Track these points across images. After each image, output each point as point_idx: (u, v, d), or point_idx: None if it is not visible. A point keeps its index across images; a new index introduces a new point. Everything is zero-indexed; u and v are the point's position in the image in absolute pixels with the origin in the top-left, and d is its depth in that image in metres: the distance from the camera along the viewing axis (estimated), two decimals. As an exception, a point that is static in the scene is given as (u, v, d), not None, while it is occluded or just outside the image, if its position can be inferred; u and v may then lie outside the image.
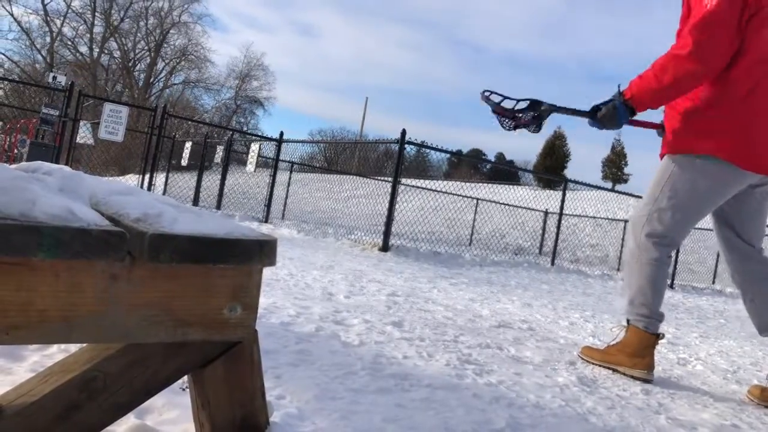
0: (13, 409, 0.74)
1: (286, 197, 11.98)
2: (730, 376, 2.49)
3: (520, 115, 2.22)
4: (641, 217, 2.19)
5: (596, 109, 2.18)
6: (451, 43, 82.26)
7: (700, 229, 9.84)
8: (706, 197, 2.10)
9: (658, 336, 2.16)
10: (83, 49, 34.43)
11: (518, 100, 2.23)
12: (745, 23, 1.96)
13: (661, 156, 2.22)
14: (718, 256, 11.48)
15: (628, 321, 2.21)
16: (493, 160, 35.71)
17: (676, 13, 2.24)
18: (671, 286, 8.68)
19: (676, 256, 9.25)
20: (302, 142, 10.61)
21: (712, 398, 2.00)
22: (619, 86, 2.17)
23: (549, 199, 12.60)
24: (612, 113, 2.13)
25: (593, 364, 2.22)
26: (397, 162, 6.92)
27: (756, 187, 2.14)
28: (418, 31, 78.60)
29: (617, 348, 2.18)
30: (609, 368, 2.17)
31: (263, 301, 2.24)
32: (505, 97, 2.24)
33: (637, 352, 2.12)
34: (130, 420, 1.08)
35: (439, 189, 12.31)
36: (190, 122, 18.89)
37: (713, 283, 11.07)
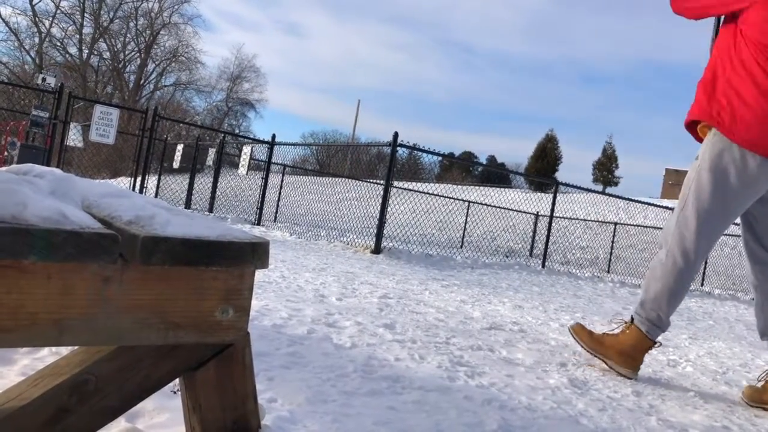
0: (2, 413, 0.74)
1: (279, 200, 11.95)
2: (719, 378, 2.51)
3: None
4: (674, 225, 2.14)
5: None
6: (440, 44, 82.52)
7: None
8: (732, 188, 2.00)
9: (655, 343, 2.17)
10: (72, 50, 34.26)
11: None
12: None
13: (688, 121, 2.17)
14: (706, 258, 11.56)
15: (632, 319, 2.20)
16: (484, 162, 35.87)
17: (668, 13, 2.26)
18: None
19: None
20: (294, 144, 10.57)
21: (702, 399, 2.02)
22: None
23: (540, 201, 12.66)
24: None
25: (579, 344, 2.21)
26: (389, 165, 6.92)
27: None
28: (406, 32, 78.83)
29: (612, 342, 2.16)
30: (597, 357, 2.17)
31: (255, 303, 2.24)
32: None
33: (629, 353, 2.14)
34: (120, 423, 1.07)
35: (430, 192, 12.33)
36: (181, 124, 18.81)
37: (702, 285, 11.15)
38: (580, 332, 2.24)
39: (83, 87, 31.63)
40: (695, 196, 2.08)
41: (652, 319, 2.14)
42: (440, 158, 8.57)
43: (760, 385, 2.08)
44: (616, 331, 2.23)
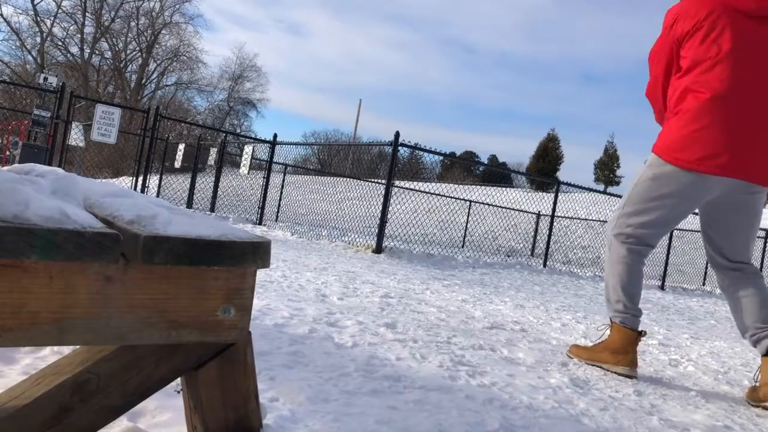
0: (5, 412, 0.74)
1: (280, 199, 11.96)
2: (721, 377, 2.51)
3: None
4: (612, 219, 2.31)
5: None
6: (441, 43, 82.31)
7: (689, 230, 9.90)
8: (665, 199, 2.16)
9: (640, 332, 2.23)
10: (74, 49, 34.23)
11: None
12: (687, 41, 2.11)
13: None
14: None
15: (611, 319, 2.29)
16: (486, 162, 35.83)
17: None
18: (662, 288, 8.73)
19: (666, 258, 9.30)
20: (296, 144, 10.57)
21: (703, 399, 2.02)
22: None
23: (541, 201, 12.64)
24: None
25: (581, 362, 2.27)
26: (390, 164, 6.92)
27: (744, 195, 2.13)
28: (407, 31, 78.65)
29: (602, 346, 2.25)
30: (595, 366, 2.22)
31: (257, 302, 2.24)
32: None
33: (619, 349, 2.19)
34: (122, 422, 1.07)
35: (432, 191, 12.32)
36: (183, 124, 18.82)
37: (703, 284, 11.14)
38: (577, 351, 2.33)
39: (85, 86, 31.63)
40: (636, 194, 2.23)
41: (620, 310, 2.24)
42: (441, 158, 8.55)
43: (756, 383, 2.10)
44: (605, 336, 2.32)
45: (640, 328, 2.24)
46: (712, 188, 2.09)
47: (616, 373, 2.15)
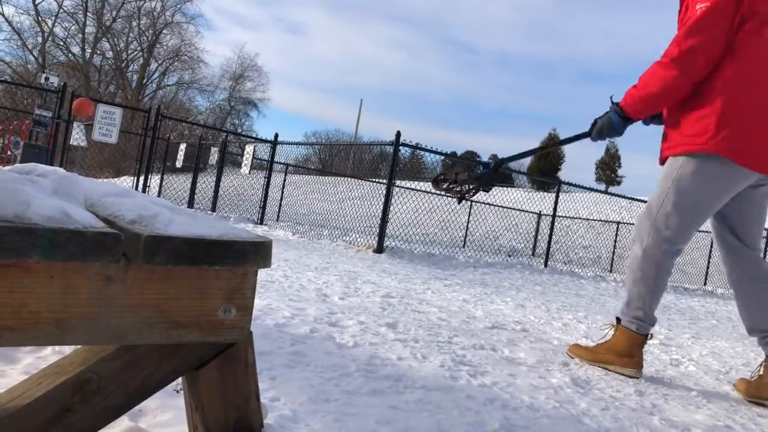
0: (5, 412, 0.74)
1: (281, 199, 11.96)
2: (722, 377, 2.50)
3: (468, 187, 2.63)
4: (648, 223, 2.18)
5: (594, 123, 2.31)
6: (441, 43, 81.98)
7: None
8: (710, 197, 2.11)
9: (647, 336, 2.21)
10: (75, 49, 34.28)
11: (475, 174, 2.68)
12: (738, 27, 2.01)
13: (662, 159, 2.24)
14: (709, 257, 11.54)
15: (618, 320, 2.26)
16: (487, 161, 35.77)
17: (669, 11, 2.27)
18: (664, 288, 8.71)
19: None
20: (297, 144, 10.60)
21: (705, 399, 2.02)
22: (611, 97, 2.28)
23: (542, 201, 12.65)
24: (609, 123, 2.24)
25: (583, 362, 2.26)
26: (391, 164, 6.92)
27: (756, 188, 2.16)
28: (407, 30, 78.36)
29: (606, 347, 2.23)
30: (599, 367, 2.20)
31: (258, 302, 2.24)
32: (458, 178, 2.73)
33: (626, 352, 2.18)
34: (123, 422, 1.07)
35: (433, 191, 12.32)
36: (184, 124, 18.82)
37: (705, 284, 11.13)
38: (577, 351, 2.31)
39: (86, 86, 31.63)
40: (676, 195, 2.12)
41: (639, 317, 2.20)
42: (443, 157, 8.53)
43: (753, 379, 2.11)
44: (608, 336, 2.29)
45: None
46: (747, 182, 2.09)
47: (622, 374, 2.14)
